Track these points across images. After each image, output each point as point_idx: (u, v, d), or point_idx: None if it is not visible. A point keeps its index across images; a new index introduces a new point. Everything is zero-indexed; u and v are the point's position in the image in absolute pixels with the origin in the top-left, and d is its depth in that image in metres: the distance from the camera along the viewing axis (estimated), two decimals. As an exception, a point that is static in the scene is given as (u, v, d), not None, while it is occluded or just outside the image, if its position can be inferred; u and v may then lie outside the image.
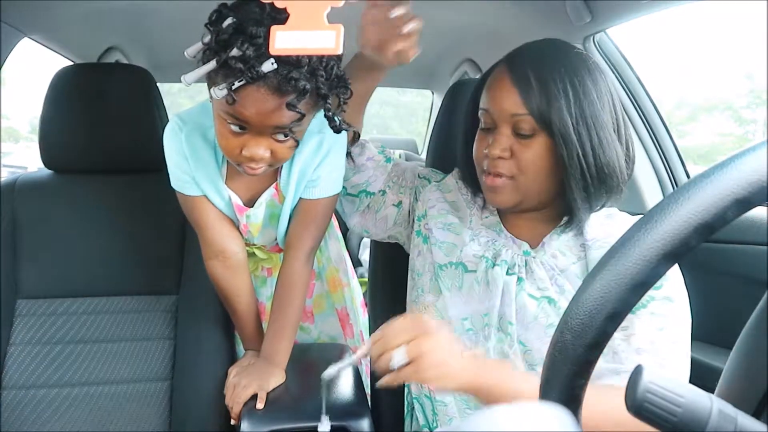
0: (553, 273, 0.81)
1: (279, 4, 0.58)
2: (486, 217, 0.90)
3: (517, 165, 0.77)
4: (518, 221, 0.87)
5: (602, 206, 0.80)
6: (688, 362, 0.73)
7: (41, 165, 1.14)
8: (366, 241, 2.61)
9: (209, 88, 0.73)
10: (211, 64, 0.68)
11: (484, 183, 0.82)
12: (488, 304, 0.83)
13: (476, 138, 0.83)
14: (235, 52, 0.65)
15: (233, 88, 0.66)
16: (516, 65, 0.77)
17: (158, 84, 1.18)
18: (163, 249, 1.12)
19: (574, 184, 0.75)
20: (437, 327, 0.68)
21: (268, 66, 0.65)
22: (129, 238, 1.12)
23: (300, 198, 0.94)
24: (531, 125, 0.75)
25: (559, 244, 0.82)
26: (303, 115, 0.71)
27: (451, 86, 1.13)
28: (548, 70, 0.74)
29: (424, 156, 2.63)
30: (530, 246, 0.84)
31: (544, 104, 0.73)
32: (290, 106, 0.69)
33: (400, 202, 0.99)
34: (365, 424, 0.85)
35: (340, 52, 0.55)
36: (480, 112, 0.82)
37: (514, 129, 0.76)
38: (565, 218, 0.82)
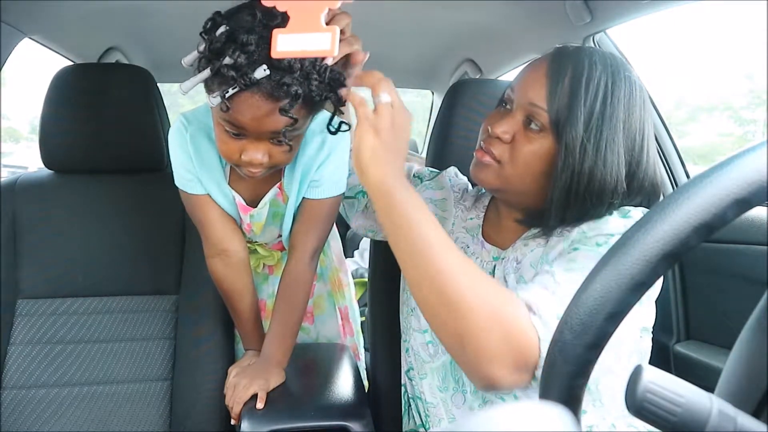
0: (508, 271, 0.78)
1: (280, 7, 0.59)
2: (470, 219, 0.89)
3: (511, 153, 0.74)
4: (499, 226, 0.84)
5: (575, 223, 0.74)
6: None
7: (42, 165, 1.13)
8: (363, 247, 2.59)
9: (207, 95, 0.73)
10: (206, 73, 0.68)
11: (474, 156, 0.79)
12: None
13: (491, 113, 0.80)
14: (227, 60, 0.65)
15: (227, 96, 0.67)
16: (559, 58, 0.73)
17: (158, 84, 1.18)
18: (163, 249, 1.12)
19: (557, 195, 0.71)
20: (385, 115, 0.65)
21: (260, 72, 0.65)
22: (129, 238, 1.12)
23: (303, 198, 0.94)
24: (543, 122, 0.71)
25: (526, 240, 0.80)
26: (296, 120, 0.71)
27: (451, 86, 1.13)
28: (587, 77, 0.69)
29: (424, 155, 2.63)
30: (502, 248, 0.82)
31: (564, 107, 0.69)
32: (282, 111, 0.68)
33: None
34: (365, 424, 0.85)
35: (335, 54, 0.54)
36: (507, 90, 0.78)
37: (526, 118, 0.73)
38: (536, 230, 0.78)
